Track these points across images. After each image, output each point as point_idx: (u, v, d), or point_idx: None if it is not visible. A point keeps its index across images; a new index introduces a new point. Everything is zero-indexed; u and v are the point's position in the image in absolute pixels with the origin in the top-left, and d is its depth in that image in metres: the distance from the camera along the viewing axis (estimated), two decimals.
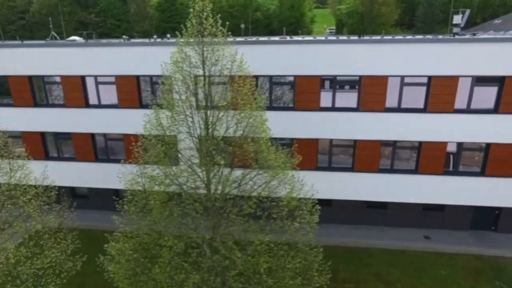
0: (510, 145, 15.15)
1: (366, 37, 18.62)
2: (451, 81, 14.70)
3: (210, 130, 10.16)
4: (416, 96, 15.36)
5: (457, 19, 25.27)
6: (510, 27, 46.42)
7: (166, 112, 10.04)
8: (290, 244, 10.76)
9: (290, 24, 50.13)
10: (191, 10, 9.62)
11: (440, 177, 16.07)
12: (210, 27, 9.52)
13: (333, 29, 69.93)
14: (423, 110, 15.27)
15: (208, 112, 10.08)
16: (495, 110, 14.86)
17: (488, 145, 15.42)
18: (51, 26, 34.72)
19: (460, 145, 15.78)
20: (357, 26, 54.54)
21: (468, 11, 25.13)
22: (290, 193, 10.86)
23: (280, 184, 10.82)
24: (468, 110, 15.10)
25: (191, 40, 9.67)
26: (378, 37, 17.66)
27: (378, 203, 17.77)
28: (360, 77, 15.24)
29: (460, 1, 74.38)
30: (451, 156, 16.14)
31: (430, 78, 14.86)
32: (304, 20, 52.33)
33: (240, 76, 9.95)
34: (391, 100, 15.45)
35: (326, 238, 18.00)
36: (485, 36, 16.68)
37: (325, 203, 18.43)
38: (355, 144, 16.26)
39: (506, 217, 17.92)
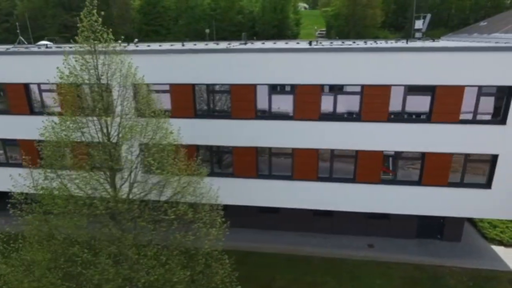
0: (444, 154, 15.03)
1: (304, 45, 18.62)
2: (383, 90, 14.61)
3: (114, 137, 10.36)
4: (351, 105, 15.29)
5: (419, 24, 25.14)
6: (493, 30, 46.18)
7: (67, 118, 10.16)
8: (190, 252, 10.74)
9: (273, 27, 50.06)
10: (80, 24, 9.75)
11: (378, 186, 15.96)
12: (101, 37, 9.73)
13: (324, 31, 69.80)
14: (358, 119, 15.19)
15: (108, 120, 10.25)
16: (428, 119, 14.74)
17: (423, 154, 15.30)
18: (18, 31, 34.90)
19: (396, 154, 15.69)
20: (343, 28, 54.36)
21: (428, 16, 24.95)
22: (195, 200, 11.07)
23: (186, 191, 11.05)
24: (402, 119, 14.99)
25: (84, 49, 9.84)
26: (319, 46, 17.60)
27: (324, 211, 17.69)
28: (294, 85, 15.18)
29: (451, 2, 73.98)
30: (389, 165, 16.06)
31: (362, 86, 14.78)
32: (288, 23, 52.13)
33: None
34: (326, 108, 15.39)
35: (269, 245, 18.11)
36: (418, 45, 16.48)
37: (272, 211, 18.61)
38: (293, 153, 16.20)
39: (450, 226, 17.85)
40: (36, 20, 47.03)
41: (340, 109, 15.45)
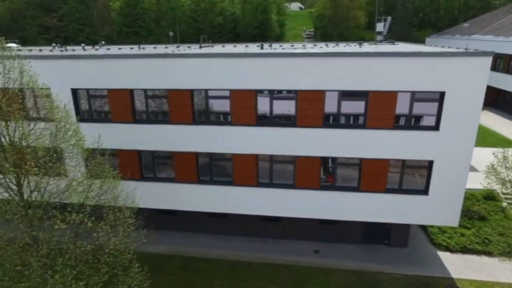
0: (379, 160, 14.90)
1: (255, 49, 18.50)
2: (317, 96, 14.49)
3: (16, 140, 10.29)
4: (288, 110, 15.17)
5: (380, 26, 24.98)
6: (473, 31, 46.03)
7: None
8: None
9: (254, 28, 49.90)
10: None
11: (317, 192, 15.84)
12: None
13: (312, 31, 69.58)
14: (293, 124, 15.07)
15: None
16: (363, 125, 14.62)
17: (360, 160, 15.18)
18: None
19: (334, 160, 15.57)
20: (326, 29, 54.18)
21: (389, 19, 24.85)
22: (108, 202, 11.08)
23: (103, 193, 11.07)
24: (337, 125, 14.87)
25: None
26: (262, 51, 17.48)
27: (272, 216, 17.55)
28: (231, 91, 15.07)
29: (440, 3, 73.68)
30: (329, 171, 15.93)
31: (297, 92, 14.67)
32: (271, 24, 51.94)
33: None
34: (263, 114, 15.28)
35: (215, 250, 18.02)
36: (352, 50, 16.31)
37: (221, 215, 18.52)
38: (232, 158, 16.09)
39: (396, 231, 17.72)
40: (17, 22, 47.00)
41: (277, 114, 15.34)
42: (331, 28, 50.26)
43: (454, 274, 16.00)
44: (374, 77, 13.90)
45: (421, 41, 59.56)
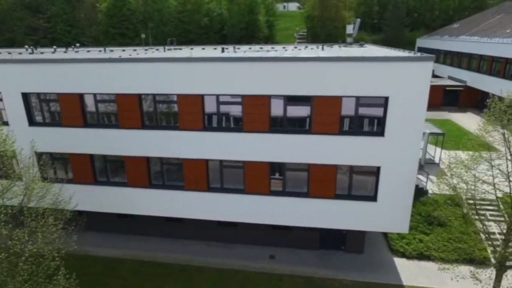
0: (327, 166, 14.73)
1: (216, 53, 18.38)
2: (262, 100, 14.34)
3: None
4: (235, 115, 15.04)
5: (349, 29, 24.74)
6: (461, 32, 45.55)
7: None
8: None
9: (241, 29, 49.75)
10: None
11: (267, 198, 15.70)
12: None
13: (306, 32, 69.23)
14: (241, 129, 14.93)
15: None
16: (309, 130, 14.44)
17: (308, 166, 15.01)
18: None
19: (282, 165, 15.40)
20: (315, 30, 53.91)
21: (358, 21, 24.60)
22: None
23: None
24: (283, 130, 14.70)
25: None
26: (219, 55, 17.36)
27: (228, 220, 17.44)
28: (177, 95, 14.97)
29: (435, 3, 73.07)
30: (279, 176, 15.76)
31: (243, 97, 14.52)
32: (258, 25, 51.75)
33: None
34: (211, 119, 15.18)
35: (169, 254, 17.98)
36: (303, 54, 16.06)
37: (177, 220, 18.45)
38: (182, 163, 15.99)
39: (352, 237, 17.55)
40: (4, 23, 47.26)
41: (225, 119, 15.21)
42: (319, 29, 49.92)
43: (406, 281, 15.79)
44: (318, 82, 13.72)
45: (413, 42, 59.20)
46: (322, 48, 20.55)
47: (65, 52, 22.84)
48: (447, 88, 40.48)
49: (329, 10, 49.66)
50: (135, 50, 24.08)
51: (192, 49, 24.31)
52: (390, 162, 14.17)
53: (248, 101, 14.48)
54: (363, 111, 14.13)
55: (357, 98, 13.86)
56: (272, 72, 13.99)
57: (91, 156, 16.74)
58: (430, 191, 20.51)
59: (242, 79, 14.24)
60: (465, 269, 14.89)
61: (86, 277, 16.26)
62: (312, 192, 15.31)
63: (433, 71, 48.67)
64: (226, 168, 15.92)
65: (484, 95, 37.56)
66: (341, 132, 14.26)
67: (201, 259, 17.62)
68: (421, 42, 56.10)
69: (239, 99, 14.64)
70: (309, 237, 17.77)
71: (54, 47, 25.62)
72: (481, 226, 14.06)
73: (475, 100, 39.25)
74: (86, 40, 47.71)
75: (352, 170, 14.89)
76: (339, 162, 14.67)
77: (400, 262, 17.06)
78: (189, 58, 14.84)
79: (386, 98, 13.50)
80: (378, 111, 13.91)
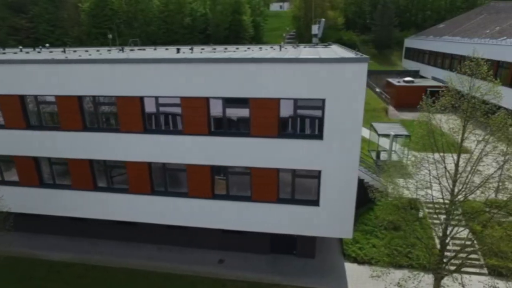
0: (268, 169, 14.41)
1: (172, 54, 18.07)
2: (200, 102, 14.04)
3: None
4: (175, 117, 14.74)
5: (314, 29, 24.41)
6: (445, 32, 45.11)
7: None
8: None
9: (224, 29, 49.43)
10: None
11: (210, 201, 15.40)
12: None
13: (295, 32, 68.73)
14: (181, 132, 14.63)
15: None
16: (249, 133, 14.13)
17: (250, 169, 14.69)
18: None
19: (225, 169, 15.09)
20: (301, 31, 53.56)
21: (323, 21, 24.20)
22: None
23: None
24: (224, 133, 14.40)
25: None
26: (163, 57, 17.07)
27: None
28: (116, 97, 14.68)
29: (427, 3, 72.62)
30: (223, 180, 15.45)
31: (181, 99, 14.22)
32: (244, 25, 51.40)
33: None
34: (150, 121, 14.90)
35: (118, 258, 17.69)
36: (238, 55, 15.70)
37: (129, 223, 18.15)
38: (125, 165, 15.70)
39: (302, 242, 17.21)
40: None
41: (165, 121, 14.93)
42: (303, 29, 49.57)
43: (352, 287, 15.44)
44: (255, 84, 13.40)
45: (403, 42, 58.72)
46: (280, 49, 20.23)
47: (27, 53, 22.60)
48: (430, 89, 39.99)
49: (313, 10, 49.22)
50: (98, 50, 23.86)
51: (155, 49, 24.06)
52: (330, 165, 13.84)
53: (186, 103, 14.18)
54: (301, 113, 13.82)
55: (295, 100, 13.54)
56: (210, 73, 13.68)
57: (36, 159, 16.49)
58: (392, 195, 20.12)
59: (180, 80, 13.94)
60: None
61: (27, 282, 16.09)
62: (254, 196, 14.99)
63: (418, 71, 47.95)
64: (169, 171, 15.64)
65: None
66: (280, 135, 13.94)
67: (151, 263, 17.33)
68: (408, 42, 55.71)
69: (178, 101, 14.35)
70: (260, 241, 17.45)
71: (20, 47, 25.43)
72: (437, 230, 13.76)
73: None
74: (69, 41, 47.53)
75: (294, 174, 14.56)
76: (279, 166, 14.35)
77: (350, 268, 16.71)
78: (128, 59, 14.54)
79: (323, 100, 13.17)
80: (316, 114, 13.59)
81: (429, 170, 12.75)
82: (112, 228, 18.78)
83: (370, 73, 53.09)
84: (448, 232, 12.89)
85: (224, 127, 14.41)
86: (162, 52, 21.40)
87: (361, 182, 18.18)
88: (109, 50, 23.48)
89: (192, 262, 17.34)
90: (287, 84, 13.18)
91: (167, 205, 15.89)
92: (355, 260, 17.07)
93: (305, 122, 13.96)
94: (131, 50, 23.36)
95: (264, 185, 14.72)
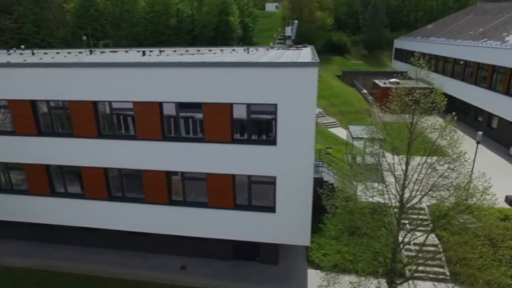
0: (223, 175, 14.13)
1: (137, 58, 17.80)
2: (153, 107, 13.75)
3: None
4: (130, 122, 14.46)
5: (287, 31, 24.14)
6: (433, 34, 44.81)
7: None
8: None
9: (211, 30, 49.11)
10: None
11: (167, 207, 15.13)
12: None
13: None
14: (135, 137, 14.35)
15: None
16: (203, 138, 13.85)
17: (205, 175, 14.41)
18: None
19: (181, 174, 14.81)
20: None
21: (296, 23, 23.88)
22: None
23: None
24: (178, 138, 14.12)
25: None
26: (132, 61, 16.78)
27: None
28: (68, 102, 14.41)
29: (419, 3, 72.45)
30: (180, 186, 15.16)
31: (134, 104, 13.93)
32: (233, 26, 51.08)
33: None
34: (105, 126, 14.62)
35: (79, 264, 17.41)
36: (194, 59, 15.31)
37: (92, 228, 17.87)
38: (81, 171, 15.43)
39: (265, 248, 16.93)
40: None
41: (121, 126, 14.64)
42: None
43: None
44: (207, 89, 13.13)
45: (393, 42, 58.44)
46: (247, 51, 19.95)
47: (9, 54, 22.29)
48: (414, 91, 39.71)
49: (300, 11, 48.96)
50: (69, 52, 23.57)
51: (127, 51, 23.78)
52: (285, 172, 13.57)
53: (139, 108, 13.90)
54: (255, 118, 13.55)
55: (248, 105, 13.26)
56: (162, 78, 13.41)
57: None
58: (362, 199, 19.85)
59: (132, 85, 13.66)
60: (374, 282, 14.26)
61: None
62: (211, 202, 14.72)
63: (406, 72, 47.64)
64: (125, 176, 15.36)
65: (452, 97, 36.89)
66: (234, 141, 13.67)
67: (112, 269, 17.04)
68: (398, 43, 55.42)
69: (131, 106, 14.06)
70: (223, 247, 17.15)
71: None
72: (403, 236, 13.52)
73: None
74: (54, 41, 47.25)
75: (250, 180, 14.29)
76: (234, 172, 14.08)
77: (313, 274, 16.42)
78: (81, 63, 14.25)
79: (275, 105, 12.90)
80: (269, 119, 13.32)
81: (382, 176, 12.49)
82: (76, 233, 18.46)
83: (358, 74, 53.03)
84: (400, 239, 12.64)
85: (178, 133, 14.13)
86: (127, 54, 21.12)
87: (330, 186, 17.89)
88: (80, 52, 23.19)
89: (154, 269, 17.06)
90: (239, 89, 12.92)
91: (125, 211, 15.62)
92: (318, 266, 16.79)
93: (259, 127, 13.68)
94: (102, 52, 23.06)
95: (220, 191, 14.45)
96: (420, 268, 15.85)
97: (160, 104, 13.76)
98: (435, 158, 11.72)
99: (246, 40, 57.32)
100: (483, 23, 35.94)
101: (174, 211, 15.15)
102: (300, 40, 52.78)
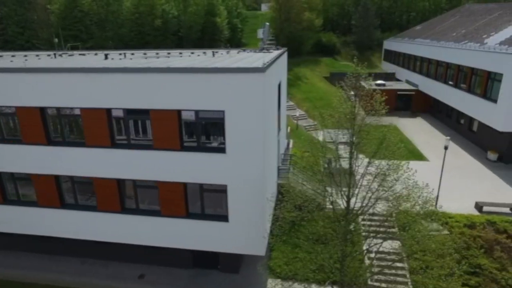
0: (174, 183, 13.74)
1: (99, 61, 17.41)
2: (100, 113, 13.37)
3: None
4: (78, 129, 14.07)
5: (259, 33, 23.74)
6: (419, 35, 44.39)
7: None
8: None
9: (197, 31, 48.62)
10: None
11: (119, 215, 14.74)
12: None
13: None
14: (83, 144, 13.96)
15: None
16: (152, 146, 13.46)
17: (157, 183, 14.02)
18: None
19: (134, 182, 14.41)
20: (278, 32, 52.80)
21: (267, 25, 23.50)
22: None
23: None
24: (127, 146, 13.73)
25: None
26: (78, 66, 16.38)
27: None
28: (16, 108, 14.02)
29: (411, 3, 72.02)
30: (133, 194, 14.77)
31: (81, 110, 13.54)
32: (221, 27, 50.58)
33: None
34: (52, 132, 14.24)
35: (38, 272, 16.99)
36: (140, 64, 14.89)
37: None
38: (31, 178, 15.04)
39: (226, 256, 16.51)
40: None
41: (68, 133, 14.26)
42: (277, 31, 48.83)
43: None
44: (154, 95, 12.75)
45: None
46: (213, 54, 19.55)
47: None
48: (399, 93, 39.38)
49: (286, 12, 48.49)
50: (37, 55, 23.16)
51: (96, 54, 23.36)
52: (235, 180, 13.19)
53: (87, 114, 13.52)
54: (204, 126, 13.16)
55: (196, 112, 12.88)
56: (110, 83, 13.03)
57: None
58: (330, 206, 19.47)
59: (80, 90, 13.26)
60: None
61: None
62: (163, 211, 14.34)
63: (394, 74, 46.98)
64: (77, 184, 14.98)
65: (437, 99, 36.51)
66: (184, 148, 13.28)
67: (70, 278, 16.67)
68: (387, 44, 55.07)
69: (78, 112, 13.68)
70: (182, 255, 16.76)
71: None
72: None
73: (427, 105, 38.12)
74: (39, 42, 46.80)
75: (202, 188, 13.90)
76: (185, 180, 13.69)
77: (273, 284, 16.02)
78: (27, 68, 13.84)
79: (223, 112, 12.51)
80: (218, 126, 12.93)
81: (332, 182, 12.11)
82: (35, 240, 18.06)
83: (345, 76, 52.65)
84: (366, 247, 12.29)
85: (128, 140, 13.74)
86: (86, 58, 20.67)
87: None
88: (37, 55, 22.75)
89: (112, 277, 16.68)
90: (186, 95, 12.54)
91: (78, 219, 15.23)
92: (279, 275, 16.39)
93: (209, 135, 13.30)
94: (70, 55, 22.65)
95: (171, 200, 14.07)
96: (382, 277, 15.53)
97: (108, 111, 13.37)
98: (384, 164, 11.31)
99: (235, 41, 56.84)
100: (467, 25, 35.55)
101: (127, 220, 14.76)
102: (287, 41, 52.45)
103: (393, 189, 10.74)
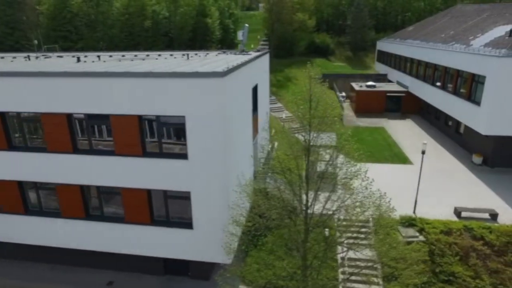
0: (137, 190, 13.43)
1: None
2: (60, 118, 13.05)
3: None
4: (39, 134, 13.76)
5: (239, 35, 23.43)
6: (411, 36, 43.98)
7: None
8: None
9: (187, 32, 48.27)
10: None
11: (84, 222, 14.44)
12: None
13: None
14: (44, 149, 13.66)
15: None
16: (113, 151, 13.15)
17: (120, 189, 13.71)
18: None
19: (97, 188, 14.10)
20: (269, 33, 52.53)
21: (246, 27, 23.13)
22: None
23: None
24: (89, 151, 13.41)
25: None
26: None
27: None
28: None
29: (406, 3, 71.69)
30: (96, 200, 14.46)
31: (41, 115, 13.23)
32: (210, 28, 50.29)
33: None
34: (15, 138, 13.93)
35: (2, 279, 16.62)
36: (94, 70, 14.61)
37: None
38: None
39: (195, 264, 16.16)
40: None
41: (30, 138, 13.96)
42: (269, 32, 48.56)
43: None
44: (114, 100, 12.44)
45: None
46: (187, 57, 19.21)
47: None
48: (388, 94, 39.01)
49: (278, 12, 48.13)
50: (14, 57, 22.88)
51: (73, 57, 23.05)
52: (198, 187, 12.88)
53: (47, 119, 13.21)
54: (166, 131, 12.84)
55: (157, 117, 12.56)
56: (70, 88, 12.72)
57: None
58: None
59: (40, 95, 12.97)
60: None
61: None
62: (127, 217, 14.03)
63: (386, 75, 46.45)
64: (41, 190, 14.67)
65: (424, 101, 36.09)
66: (145, 154, 12.96)
67: (36, 285, 16.35)
68: (380, 45, 54.66)
69: (38, 117, 13.38)
70: (153, 262, 16.41)
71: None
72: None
73: (417, 107, 37.76)
74: (28, 43, 46.53)
75: (166, 195, 13.58)
76: (148, 186, 13.38)
77: None
78: None
79: (184, 118, 12.19)
80: (180, 132, 12.61)
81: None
82: (5, 245, 17.77)
83: (339, 77, 52.22)
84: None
85: (89, 145, 13.43)
86: (58, 61, 20.37)
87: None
88: (26, 57, 22.47)
89: (80, 284, 16.34)
90: (146, 100, 12.23)
91: (42, 225, 14.93)
92: (251, 283, 16.05)
93: (171, 140, 12.98)
94: (46, 57, 22.37)
95: (135, 206, 13.76)
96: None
97: (68, 116, 13.06)
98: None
99: (227, 42, 56.54)
100: (456, 26, 35.18)
101: (91, 226, 14.45)
102: (279, 42, 52.18)
103: (347, 198, 10.42)
